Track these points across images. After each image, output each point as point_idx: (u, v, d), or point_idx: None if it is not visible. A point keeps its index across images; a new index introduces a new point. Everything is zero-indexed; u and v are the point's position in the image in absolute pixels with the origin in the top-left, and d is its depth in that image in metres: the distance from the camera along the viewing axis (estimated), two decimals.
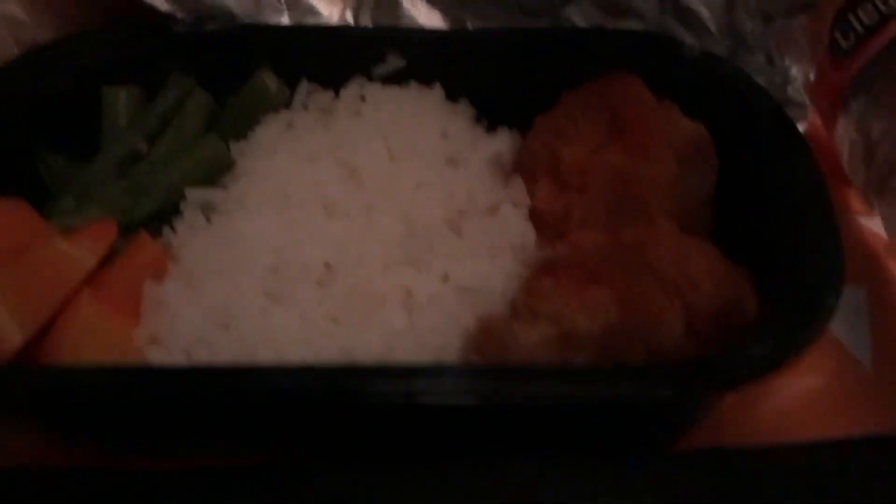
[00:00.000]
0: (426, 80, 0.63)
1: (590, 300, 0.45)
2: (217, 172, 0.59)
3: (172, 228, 0.57)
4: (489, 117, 0.64)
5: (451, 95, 0.63)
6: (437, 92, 0.63)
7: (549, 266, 0.47)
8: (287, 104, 0.63)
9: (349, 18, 0.64)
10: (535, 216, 0.54)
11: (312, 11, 0.63)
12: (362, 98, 0.62)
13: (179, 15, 0.61)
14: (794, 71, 0.60)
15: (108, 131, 0.61)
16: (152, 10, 0.61)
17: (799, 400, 0.53)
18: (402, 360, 0.47)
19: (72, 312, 0.48)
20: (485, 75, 0.63)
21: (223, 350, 0.48)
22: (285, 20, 0.63)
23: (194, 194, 0.57)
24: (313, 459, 0.49)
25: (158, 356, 0.48)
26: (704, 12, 0.57)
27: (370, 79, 0.63)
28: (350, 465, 0.49)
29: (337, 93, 0.63)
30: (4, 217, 0.53)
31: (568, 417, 0.46)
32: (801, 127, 0.58)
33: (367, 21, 0.64)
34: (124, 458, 0.50)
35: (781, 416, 0.53)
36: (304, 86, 0.63)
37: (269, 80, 0.62)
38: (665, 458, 0.51)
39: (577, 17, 0.64)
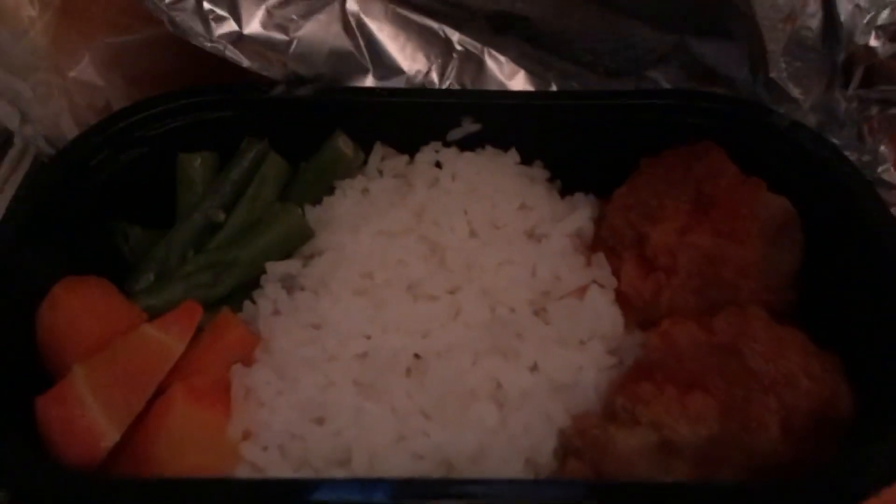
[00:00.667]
0: (501, 145, 0.62)
1: (692, 408, 0.45)
2: (296, 243, 0.59)
3: (253, 301, 0.56)
4: (564, 180, 0.63)
5: (526, 159, 0.63)
6: (513, 156, 0.62)
7: (648, 368, 0.47)
8: (361, 168, 0.63)
9: (434, 78, 0.62)
10: (621, 298, 0.54)
11: (396, 70, 0.62)
12: (438, 164, 0.61)
13: (269, 76, 0.60)
14: (885, 149, 0.59)
15: (184, 199, 0.61)
16: (240, 72, 0.60)
17: None
18: (495, 463, 0.47)
19: (165, 410, 0.48)
20: (561, 138, 0.62)
21: (318, 446, 0.48)
22: (370, 81, 0.61)
23: (275, 268, 0.57)
24: None
25: (253, 452, 0.48)
26: (795, 89, 0.56)
27: (445, 143, 0.62)
28: None
29: (412, 157, 0.62)
30: (90, 302, 0.53)
31: None
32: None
33: (451, 80, 0.63)
34: None
35: None
36: (378, 150, 0.63)
37: (345, 145, 0.62)
38: None
39: (663, 80, 0.62)
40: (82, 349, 0.50)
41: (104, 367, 0.49)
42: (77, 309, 0.52)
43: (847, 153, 0.57)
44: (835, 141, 0.58)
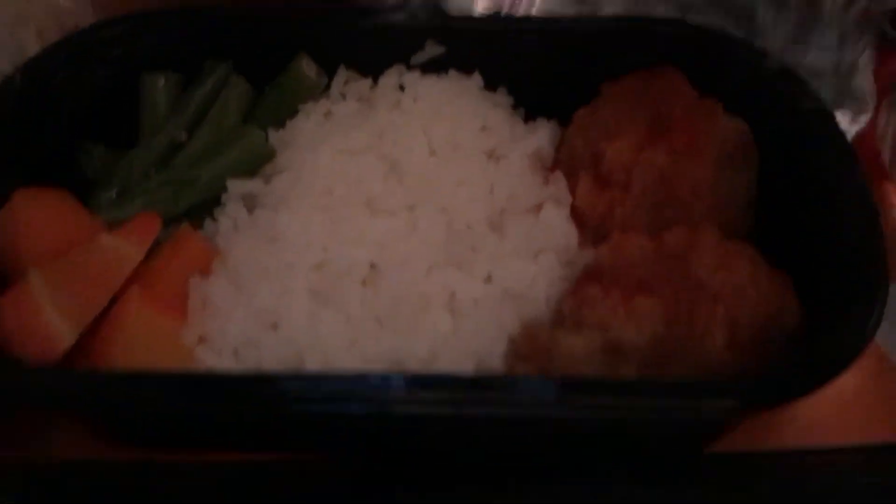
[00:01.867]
0: (465, 69, 0.63)
1: (637, 311, 0.45)
2: (258, 164, 0.59)
3: (213, 219, 0.57)
4: (527, 107, 0.64)
5: (490, 84, 0.63)
6: (476, 80, 0.62)
7: (596, 273, 0.48)
8: (324, 92, 0.63)
9: None
10: (576, 214, 0.54)
11: None
12: (401, 87, 0.62)
13: None
14: (866, 58, 0.59)
15: (147, 119, 0.61)
16: None
17: (836, 402, 0.53)
18: (446, 367, 0.47)
19: (121, 312, 0.49)
20: (524, 64, 0.62)
21: (271, 352, 0.48)
22: None
23: (236, 186, 0.57)
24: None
25: (207, 356, 0.49)
26: None
27: (408, 67, 0.62)
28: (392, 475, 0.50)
29: (375, 80, 0.63)
30: (49, 211, 0.53)
31: (608, 429, 0.46)
32: (864, 119, 0.57)
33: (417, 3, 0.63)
34: (161, 454, 0.51)
35: (817, 419, 0.53)
36: (342, 73, 0.63)
37: (308, 68, 0.62)
38: (700, 460, 0.52)
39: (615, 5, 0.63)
40: (39, 257, 0.50)
41: (61, 272, 0.49)
42: (35, 217, 0.52)
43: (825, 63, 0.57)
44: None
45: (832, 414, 0.53)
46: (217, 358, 0.48)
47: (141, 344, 0.48)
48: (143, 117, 0.61)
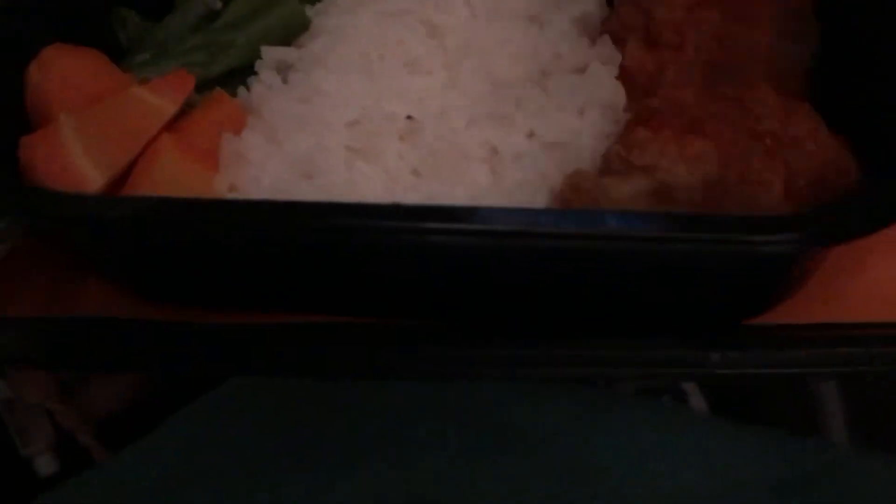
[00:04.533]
0: None
1: (689, 151, 0.43)
2: (294, 31, 0.57)
3: (247, 88, 0.55)
4: None
5: None
6: None
7: (646, 116, 0.45)
8: None
9: None
10: (624, 76, 0.52)
11: None
12: None
13: None
14: None
15: None
16: None
17: (888, 282, 0.50)
18: None
19: (152, 158, 0.48)
20: None
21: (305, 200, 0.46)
22: None
23: (271, 53, 0.56)
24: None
25: None
26: None
27: None
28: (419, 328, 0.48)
29: None
30: (82, 65, 0.52)
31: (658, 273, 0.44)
32: None
33: None
34: (189, 313, 0.50)
35: (868, 297, 0.50)
36: None
37: None
38: (742, 330, 0.49)
39: None
40: (70, 109, 0.49)
41: (91, 118, 0.48)
42: (68, 69, 0.51)
43: None
44: None
45: (886, 292, 0.50)
46: None
47: (171, 190, 0.47)
48: None
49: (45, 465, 0.75)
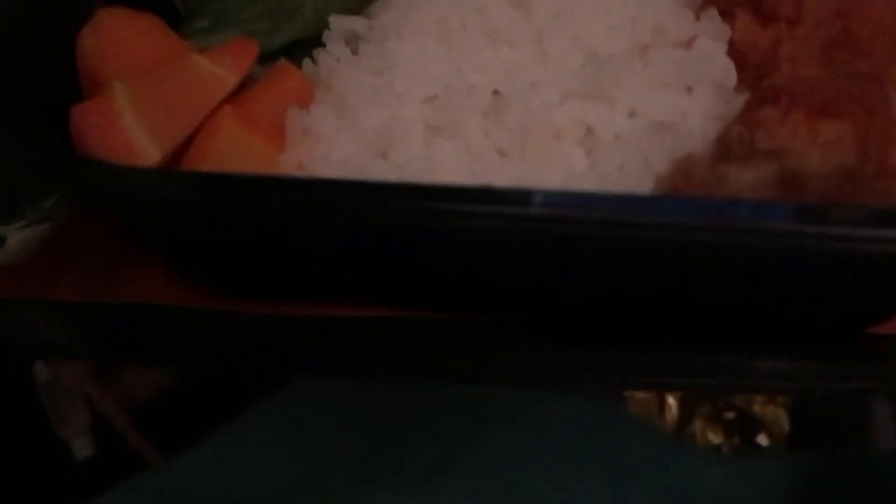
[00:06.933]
0: None
1: (824, 135, 0.37)
2: (363, 1, 0.53)
3: (313, 60, 0.51)
4: None
5: None
6: None
7: (771, 95, 0.40)
8: None
9: None
10: (734, 53, 0.46)
11: None
12: None
13: None
14: None
15: None
16: None
17: None
18: None
19: (213, 131, 0.43)
20: None
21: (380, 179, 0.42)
22: None
23: (339, 23, 0.51)
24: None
25: None
26: None
27: None
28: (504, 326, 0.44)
29: None
30: (138, 30, 0.48)
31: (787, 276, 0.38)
32: None
33: None
34: (252, 304, 0.46)
35: None
36: None
37: None
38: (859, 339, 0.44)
39: None
40: (125, 75, 0.45)
41: (147, 86, 0.44)
42: (123, 34, 0.47)
43: None
44: None
45: None
46: None
47: (233, 167, 0.42)
48: None
49: (82, 448, 0.75)
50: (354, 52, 0.50)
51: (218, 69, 0.46)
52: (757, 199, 0.37)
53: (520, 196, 0.34)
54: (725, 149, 0.40)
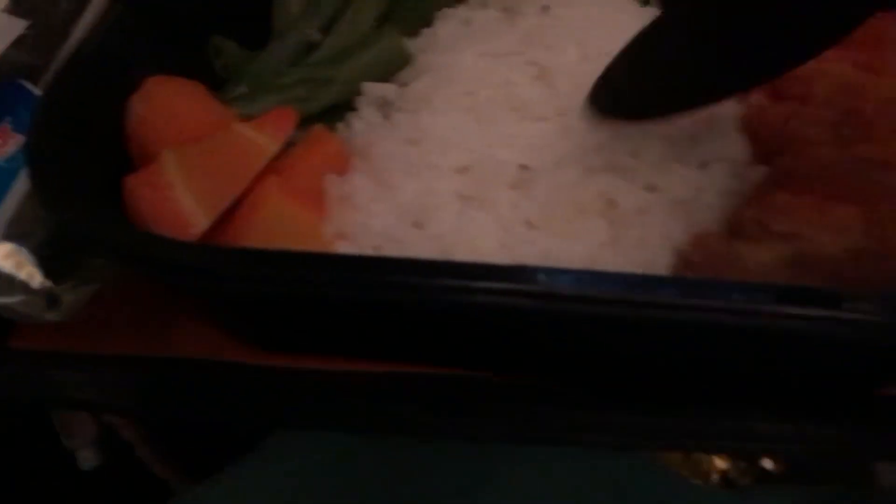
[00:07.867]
0: None
1: (835, 220, 0.40)
2: (395, 68, 0.56)
3: (346, 125, 0.54)
4: None
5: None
6: None
7: (784, 179, 0.43)
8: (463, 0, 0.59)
9: None
10: (746, 127, 0.49)
11: None
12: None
13: None
14: None
15: (280, 18, 0.58)
16: None
17: None
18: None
19: (259, 200, 0.46)
20: None
21: (416, 249, 0.45)
22: None
23: (372, 88, 0.54)
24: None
25: (348, 252, 0.45)
26: None
27: None
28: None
29: None
30: (185, 98, 0.51)
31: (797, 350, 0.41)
32: None
33: None
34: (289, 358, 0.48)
35: None
36: None
37: None
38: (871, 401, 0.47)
39: None
40: (173, 142, 0.48)
41: (194, 155, 0.47)
42: (169, 102, 0.49)
43: None
44: None
45: None
46: (357, 253, 0.45)
47: (278, 234, 0.45)
48: (275, 16, 0.58)
49: (88, 458, 0.74)
50: (385, 116, 0.53)
51: (261, 137, 0.48)
52: (768, 281, 0.39)
53: (525, 274, 0.36)
54: (739, 227, 0.43)
